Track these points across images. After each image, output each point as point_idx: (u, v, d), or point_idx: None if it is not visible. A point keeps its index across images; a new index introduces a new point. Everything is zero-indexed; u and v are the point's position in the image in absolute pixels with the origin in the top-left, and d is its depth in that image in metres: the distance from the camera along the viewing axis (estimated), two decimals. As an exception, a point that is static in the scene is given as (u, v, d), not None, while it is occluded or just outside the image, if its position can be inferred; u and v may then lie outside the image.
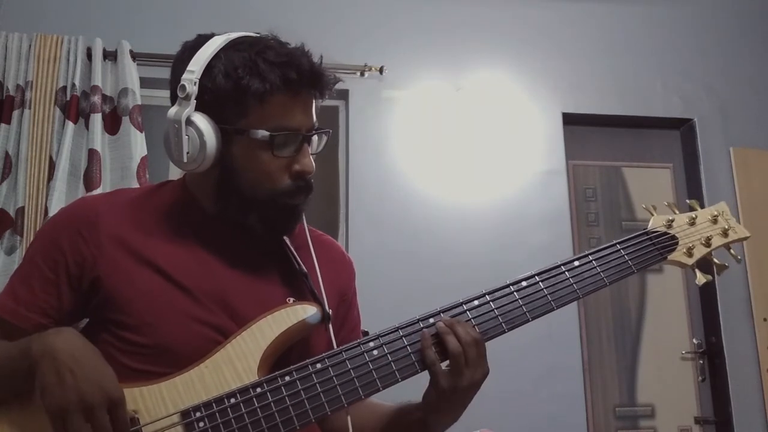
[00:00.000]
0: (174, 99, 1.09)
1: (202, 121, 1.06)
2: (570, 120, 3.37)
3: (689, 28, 3.58)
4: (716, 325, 3.22)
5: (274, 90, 1.04)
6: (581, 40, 3.46)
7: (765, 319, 3.20)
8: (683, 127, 3.51)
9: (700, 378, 3.23)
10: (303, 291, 1.12)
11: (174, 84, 1.10)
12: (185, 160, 1.07)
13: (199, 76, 1.06)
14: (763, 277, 3.23)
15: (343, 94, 3.20)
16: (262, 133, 1.05)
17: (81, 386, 0.90)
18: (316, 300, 1.09)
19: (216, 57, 1.07)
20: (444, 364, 1.05)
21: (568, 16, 3.48)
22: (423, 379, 1.07)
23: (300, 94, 1.07)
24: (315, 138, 1.13)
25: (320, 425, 1.11)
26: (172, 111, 1.08)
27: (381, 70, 3.18)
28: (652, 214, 1.25)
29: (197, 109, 1.07)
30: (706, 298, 3.28)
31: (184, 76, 1.07)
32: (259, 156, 1.06)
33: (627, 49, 3.49)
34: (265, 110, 1.05)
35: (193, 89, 1.06)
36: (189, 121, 1.06)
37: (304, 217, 1.16)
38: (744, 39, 3.61)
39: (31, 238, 2.61)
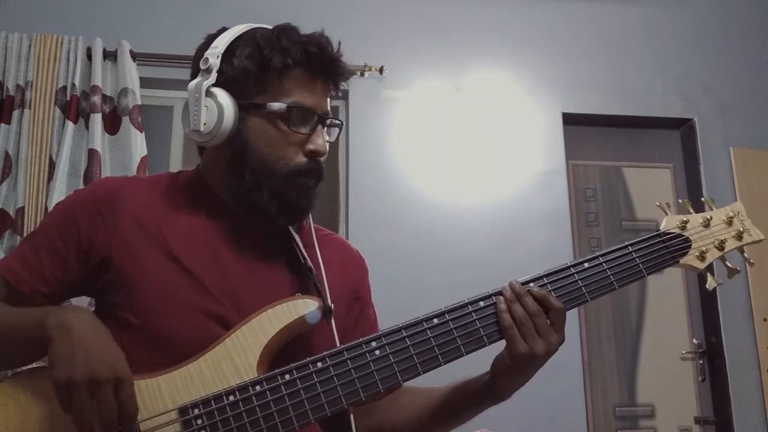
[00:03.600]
0: (194, 77, 1.12)
1: (221, 93, 1.08)
2: (570, 120, 3.37)
3: (689, 28, 3.57)
4: (716, 325, 3.22)
5: (294, 64, 1.08)
6: (581, 40, 3.46)
7: (765, 319, 3.20)
8: (683, 127, 3.51)
9: (700, 378, 3.23)
10: (309, 286, 1.11)
11: (196, 64, 1.13)
12: (202, 130, 1.08)
13: (222, 51, 1.10)
14: (763, 277, 3.22)
15: (343, 94, 3.20)
16: (279, 106, 1.08)
17: (91, 361, 0.91)
18: (320, 294, 1.09)
19: (238, 38, 1.11)
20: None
21: (568, 16, 3.47)
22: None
23: (318, 74, 1.10)
24: (327, 127, 1.15)
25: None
26: (193, 83, 1.11)
27: (381, 70, 3.18)
28: (666, 213, 1.19)
29: (217, 85, 1.09)
30: (706, 298, 3.27)
31: (208, 51, 1.10)
32: (275, 129, 1.08)
33: (627, 49, 3.48)
34: (284, 85, 1.08)
35: (215, 62, 1.09)
36: (209, 92, 1.08)
37: (311, 217, 1.17)
38: (744, 39, 3.60)
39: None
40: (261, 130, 1.08)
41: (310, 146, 1.10)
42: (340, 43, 1.13)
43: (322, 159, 1.13)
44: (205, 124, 1.08)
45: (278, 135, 1.08)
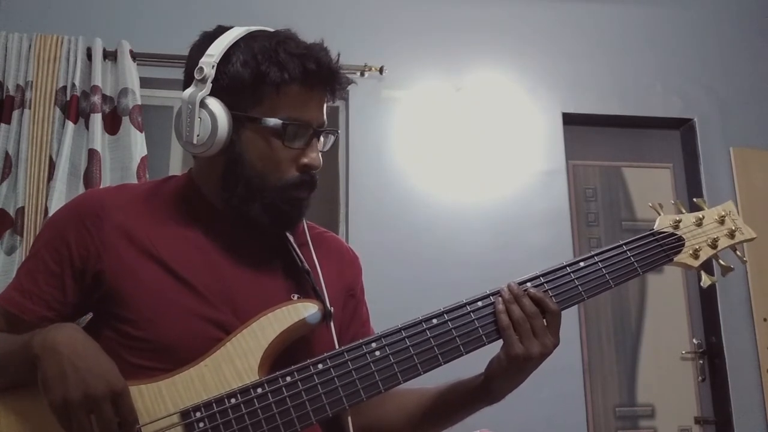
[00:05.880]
0: (188, 84, 1.10)
1: (215, 104, 1.07)
2: (570, 120, 3.37)
3: (689, 28, 3.57)
4: (716, 325, 3.22)
5: (291, 80, 1.05)
6: (581, 40, 3.46)
7: (765, 319, 3.20)
8: (683, 127, 3.51)
9: (700, 378, 3.23)
10: (306, 288, 1.11)
11: (190, 69, 1.10)
12: (195, 142, 1.07)
13: (217, 60, 1.07)
14: (763, 277, 3.23)
15: (343, 94, 3.20)
16: (275, 122, 1.06)
17: (84, 379, 0.90)
18: (318, 297, 1.09)
19: (235, 45, 1.08)
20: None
21: (568, 16, 3.47)
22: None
23: (315, 88, 1.09)
24: (322, 137, 1.14)
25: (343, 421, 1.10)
26: (187, 92, 1.09)
27: (381, 70, 3.17)
28: (659, 213, 1.22)
29: (212, 94, 1.07)
30: (706, 298, 3.28)
31: (203, 59, 1.08)
32: (269, 144, 1.07)
33: (627, 49, 3.48)
34: (280, 99, 1.06)
35: (210, 72, 1.07)
36: (203, 104, 1.07)
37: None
38: (744, 39, 3.60)
39: (31, 238, 2.62)
40: (255, 144, 1.07)
41: (304, 160, 1.08)
42: (339, 55, 1.11)
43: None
44: (198, 135, 1.07)
45: (272, 150, 1.07)
